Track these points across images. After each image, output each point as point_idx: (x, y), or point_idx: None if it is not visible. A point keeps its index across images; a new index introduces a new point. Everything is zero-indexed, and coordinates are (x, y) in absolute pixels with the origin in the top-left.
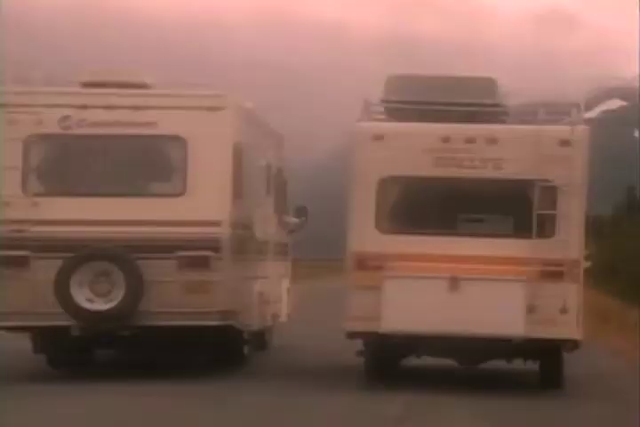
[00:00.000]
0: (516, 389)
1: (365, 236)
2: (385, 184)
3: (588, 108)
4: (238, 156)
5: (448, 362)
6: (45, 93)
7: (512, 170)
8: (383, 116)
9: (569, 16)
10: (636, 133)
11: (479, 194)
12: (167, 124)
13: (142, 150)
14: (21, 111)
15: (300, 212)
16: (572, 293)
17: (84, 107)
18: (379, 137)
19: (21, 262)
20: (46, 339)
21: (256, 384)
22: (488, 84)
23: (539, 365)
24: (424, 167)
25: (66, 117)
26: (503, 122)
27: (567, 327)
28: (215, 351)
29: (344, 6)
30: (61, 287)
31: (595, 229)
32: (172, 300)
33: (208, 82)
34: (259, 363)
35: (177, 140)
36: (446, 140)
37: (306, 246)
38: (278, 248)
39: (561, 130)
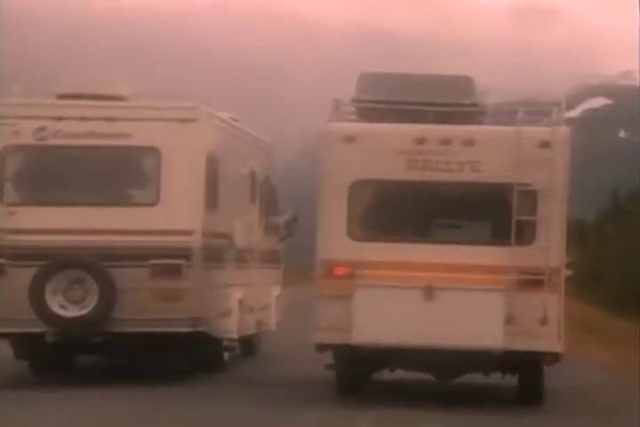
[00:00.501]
0: (493, 403)
1: (336, 242)
2: (356, 188)
3: (571, 106)
4: (213, 166)
5: (422, 376)
6: (22, 105)
7: (490, 173)
8: (354, 117)
9: (549, 11)
10: (622, 133)
11: (455, 198)
12: (141, 135)
13: (116, 161)
14: None
15: (290, 219)
16: (552, 303)
17: (60, 118)
18: (350, 138)
19: None
20: (25, 345)
21: (225, 392)
22: (465, 83)
23: (517, 379)
24: (397, 170)
25: (41, 129)
26: (480, 123)
27: (547, 339)
28: (191, 358)
29: (317, 2)
30: (36, 295)
31: (577, 234)
32: (145, 307)
33: (181, 83)
34: (240, 370)
35: (151, 150)
36: (421, 141)
37: (299, 252)
38: (266, 256)
39: (541, 131)
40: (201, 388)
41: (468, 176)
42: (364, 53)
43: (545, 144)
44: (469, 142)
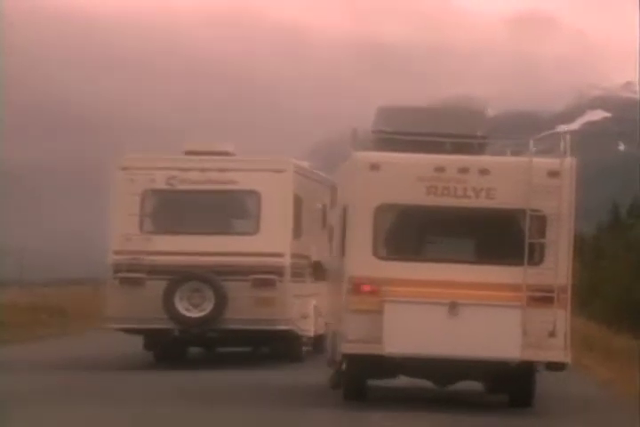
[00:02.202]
0: (486, 408)
1: (362, 261)
2: (381, 212)
3: (570, 119)
4: (298, 204)
5: (420, 382)
6: (157, 159)
7: (503, 200)
8: (373, 146)
9: (547, 21)
10: (621, 146)
11: (472, 222)
12: (246, 181)
13: (227, 201)
14: (139, 173)
15: None
16: (560, 317)
17: (185, 169)
18: (376, 166)
19: (138, 282)
20: (154, 339)
21: (300, 378)
22: (476, 116)
23: (510, 385)
24: (419, 196)
25: (172, 177)
26: (491, 152)
27: (557, 350)
28: (278, 351)
29: (306, 9)
30: (167, 300)
31: (576, 249)
32: (247, 310)
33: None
34: (313, 362)
35: (253, 193)
36: (440, 170)
37: None
38: None
39: (550, 161)
40: (285, 372)
41: (483, 202)
42: (359, 64)
43: (554, 174)
44: (485, 171)
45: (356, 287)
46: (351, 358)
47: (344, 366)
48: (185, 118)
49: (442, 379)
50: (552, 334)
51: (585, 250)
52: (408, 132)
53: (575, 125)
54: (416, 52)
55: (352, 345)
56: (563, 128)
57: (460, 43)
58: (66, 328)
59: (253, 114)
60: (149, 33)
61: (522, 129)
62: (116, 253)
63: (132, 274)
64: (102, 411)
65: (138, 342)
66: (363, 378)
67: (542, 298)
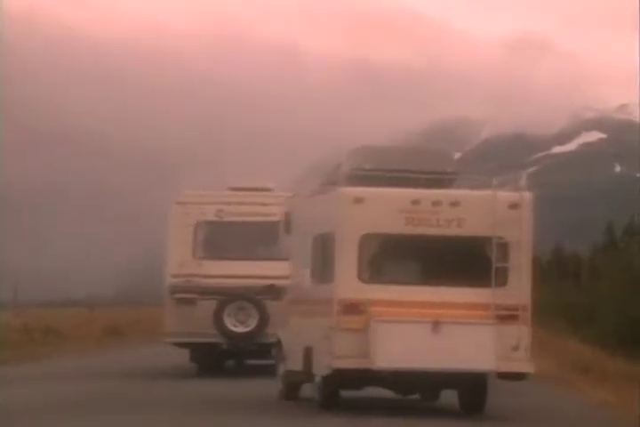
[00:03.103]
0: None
1: (349, 285)
2: (365, 240)
3: (566, 140)
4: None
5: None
6: (207, 195)
7: (472, 228)
8: (354, 181)
9: (542, 43)
10: (617, 168)
11: (445, 248)
12: (282, 214)
13: (266, 231)
14: (192, 207)
15: None
16: (524, 333)
17: (231, 204)
18: (360, 200)
19: (191, 302)
20: (200, 352)
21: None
22: (444, 155)
23: (462, 393)
24: (398, 226)
25: (220, 210)
26: (459, 187)
27: (522, 362)
28: None
29: (303, 31)
30: (217, 317)
31: (571, 270)
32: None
33: None
34: None
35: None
36: (417, 202)
37: None
38: None
39: (511, 195)
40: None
41: (454, 231)
42: (355, 85)
43: (514, 206)
44: (456, 204)
45: (344, 309)
46: (335, 372)
47: (318, 380)
48: (177, 138)
49: (423, 390)
50: (515, 348)
51: (580, 270)
52: (387, 168)
53: (571, 147)
54: (411, 74)
55: (341, 361)
56: (558, 149)
57: (455, 66)
58: (61, 348)
59: (249, 136)
60: (141, 53)
61: (518, 150)
62: (173, 276)
63: (186, 295)
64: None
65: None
66: (338, 390)
67: (508, 316)
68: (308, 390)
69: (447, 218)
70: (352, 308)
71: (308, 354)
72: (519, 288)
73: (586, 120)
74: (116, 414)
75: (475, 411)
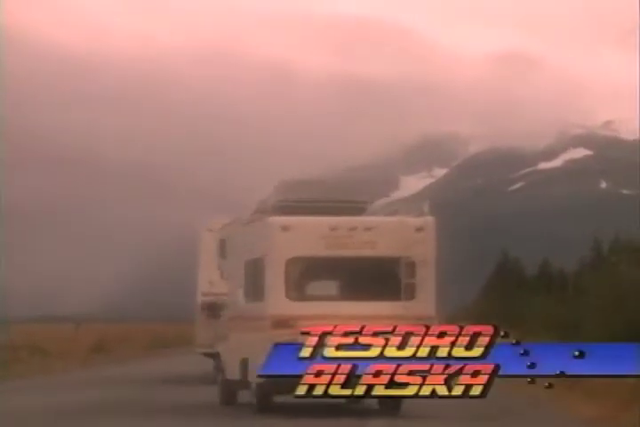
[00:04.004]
0: None
1: (278, 302)
2: (291, 263)
3: (552, 156)
4: None
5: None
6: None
7: (384, 250)
8: (279, 211)
9: (529, 59)
10: (603, 184)
11: (361, 268)
12: None
13: None
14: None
15: None
16: None
17: None
18: (285, 228)
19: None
20: None
21: None
22: (359, 185)
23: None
24: (319, 249)
25: None
26: (372, 213)
27: None
28: None
29: (289, 46)
30: None
31: (558, 285)
32: None
33: None
34: None
35: None
36: (335, 228)
37: None
38: None
39: (416, 220)
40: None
41: (368, 252)
42: (342, 102)
43: (420, 229)
44: (369, 228)
45: (274, 324)
46: (267, 380)
47: (253, 387)
48: (166, 154)
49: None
50: None
51: (565, 286)
52: (309, 199)
53: (557, 163)
54: (400, 90)
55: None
56: (545, 165)
57: (443, 81)
58: (46, 368)
59: (239, 153)
60: (132, 71)
61: (504, 166)
62: (204, 294)
63: (214, 311)
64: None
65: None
66: (272, 395)
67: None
68: (244, 396)
69: (362, 241)
70: (281, 323)
71: (244, 365)
72: (425, 301)
73: (572, 136)
74: None
75: (392, 410)
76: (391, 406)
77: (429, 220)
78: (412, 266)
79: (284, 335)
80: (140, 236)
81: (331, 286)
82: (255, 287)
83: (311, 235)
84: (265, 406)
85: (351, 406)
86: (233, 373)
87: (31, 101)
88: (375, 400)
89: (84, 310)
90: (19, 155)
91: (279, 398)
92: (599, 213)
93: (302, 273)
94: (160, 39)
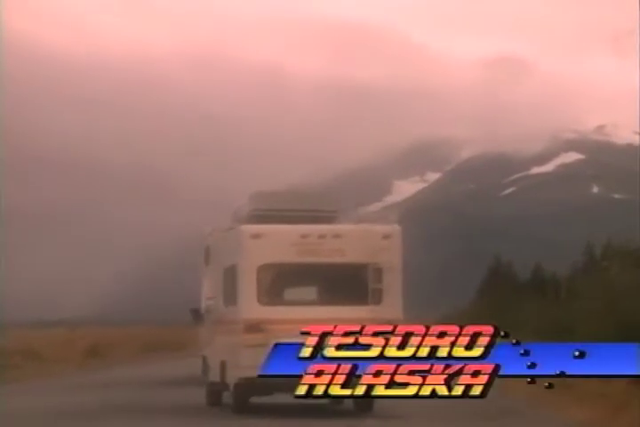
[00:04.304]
0: None
1: (250, 307)
2: (263, 269)
3: (544, 161)
4: None
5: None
6: None
7: (352, 257)
8: (253, 220)
9: (521, 63)
10: (595, 189)
11: (330, 274)
12: None
13: None
14: None
15: None
16: None
17: None
18: (257, 235)
19: None
20: None
21: None
22: (329, 195)
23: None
24: (290, 256)
25: None
26: (342, 222)
27: None
28: None
29: (282, 50)
30: None
31: (551, 289)
32: None
33: None
34: None
35: None
36: (305, 236)
37: None
38: None
39: (384, 228)
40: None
41: (338, 259)
42: (335, 106)
43: (387, 237)
44: (338, 236)
45: (247, 328)
46: (242, 381)
47: (232, 388)
48: (160, 156)
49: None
50: None
51: (558, 290)
52: (280, 209)
53: (549, 168)
54: (392, 94)
55: (245, 371)
56: (537, 170)
57: (436, 86)
58: (40, 371)
59: (233, 156)
60: (126, 75)
61: (497, 171)
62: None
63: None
64: None
65: None
66: (248, 396)
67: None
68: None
69: (331, 248)
70: (253, 327)
71: (223, 367)
72: (392, 305)
73: (564, 141)
74: None
75: (365, 410)
76: (364, 406)
77: (396, 228)
78: (379, 272)
79: (255, 339)
80: (137, 238)
81: (301, 292)
82: (231, 293)
83: (282, 242)
84: (241, 406)
85: (333, 407)
86: (215, 375)
87: (27, 104)
88: (351, 400)
89: (79, 314)
90: (13, 157)
91: (257, 399)
92: (591, 217)
93: (274, 279)
94: (155, 43)
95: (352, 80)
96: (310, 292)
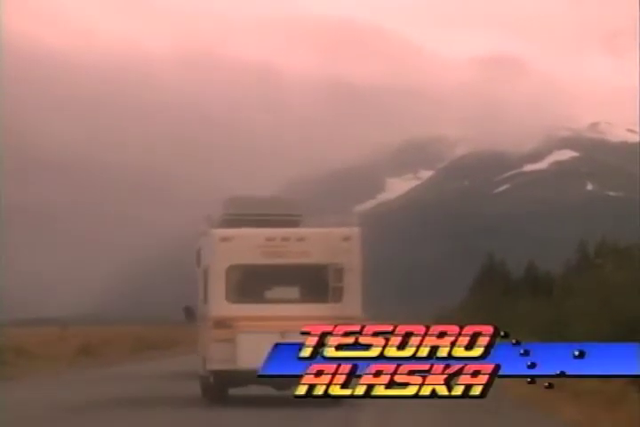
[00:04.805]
0: None
1: (219, 305)
2: (231, 270)
3: (538, 158)
4: None
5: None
6: None
7: (315, 258)
8: (225, 224)
9: (515, 62)
10: (589, 186)
11: (294, 275)
12: None
13: None
14: None
15: None
16: None
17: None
18: (226, 239)
19: None
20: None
21: None
22: (293, 201)
23: None
24: (256, 258)
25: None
26: (306, 225)
27: None
28: None
29: (277, 49)
30: None
31: (544, 287)
32: None
33: None
34: None
35: None
36: (271, 239)
37: None
38: None
39: (344, 230)
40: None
41: (301, 260)
42: (328, 105)
43: (347, 239)
44: (301, 239)
45: (216, 324)
46: (216, 373)
47: (211, 380)
48: (151, 156)
49: (281, 384)
50: None
51: (551, 288)
52: (248, 213)
53: (543, 165)
54: (386, 93)
55: (215, 364)
56: (530, 167)
57: (430, 85)
58: (33, 370)
59: (225, 155)
60: (119, 74)
61: (490, 168)
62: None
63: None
64: None
65: None
66: (224, 387)
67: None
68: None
69: (295, 250)
70: (222, 323)
71: (203, 361)
72: (352, 303)
73: (558, 139)
74: None
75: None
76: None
77: (355, 230)
78: (339, 272)
79: (223, 334)
80: (130, 238)
81: (266, 291)
82: (205, 292)
83: (249, 245)
84: (217, 398)
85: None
86: (201, 369)
87: (19, 104)
88: None
89: (71, 313)
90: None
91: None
92: (585, 215)
93: (241, 279)
94: (151, 43)
95: (346, 78)
96: (275, 291)
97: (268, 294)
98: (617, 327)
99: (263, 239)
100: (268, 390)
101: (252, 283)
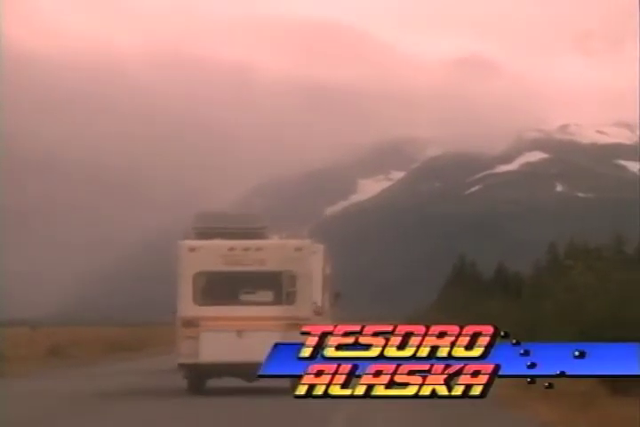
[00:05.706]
0: None
1: (187, 306)
2: (197, 276)
3: (509, 160)
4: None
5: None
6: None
7: (271, 265)
8: (195, 236)
9: (487, 64)
10: (558, 188)
11: (252, 280)
12: None
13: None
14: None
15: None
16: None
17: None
18: (192, 249)
19: None
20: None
21: None
22: (254, 216)
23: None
24: (219, 266)
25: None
26: (265, 237)
27: None
28: None
29: (251, 50)
30: None
31: (514, 289)
32: None
33: None
34: None
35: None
36: (232, 249)
37: None
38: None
39: (296, 242)
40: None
41: (259, 268)
42: (302, 106)
43: (298, 249)
44: (260, 249)
45: (183, 323)
46: (183, 366)
47: (182, 373)
48: (124, 157)
49: (244, 376)
50: None
51: (520, 289)
52: (213, 226)
53: (513, 166)
54: (359, 94)
55: (183, 359)
56: (501, 169)
57: (401, 86)
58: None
59: (201, 157)
60: (92, 74)
61: (462, 169)
62: None
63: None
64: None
65: None
66: (197, 379)
67: (293, 325)
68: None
69: (254, 259)
70: (189, 322)
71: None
72: (303, 305)
73: (528, 140)
74: None
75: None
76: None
77: (306, 242)
78: (292, 278)
79: (189, 332)
80: (102, 238)
81: (228, 294)
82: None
83: (213, 254)
84: (194, 389)
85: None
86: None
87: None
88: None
89: (41, 313)
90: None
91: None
92: (555, 216)
93: (206, 284)
94: (124, 43)
95: (319, 79)
96: (236, 294)
97: (230, 297)
98: (586, 328)
99: (226, 249)
100: (240, 382)
101: (216, 287)
